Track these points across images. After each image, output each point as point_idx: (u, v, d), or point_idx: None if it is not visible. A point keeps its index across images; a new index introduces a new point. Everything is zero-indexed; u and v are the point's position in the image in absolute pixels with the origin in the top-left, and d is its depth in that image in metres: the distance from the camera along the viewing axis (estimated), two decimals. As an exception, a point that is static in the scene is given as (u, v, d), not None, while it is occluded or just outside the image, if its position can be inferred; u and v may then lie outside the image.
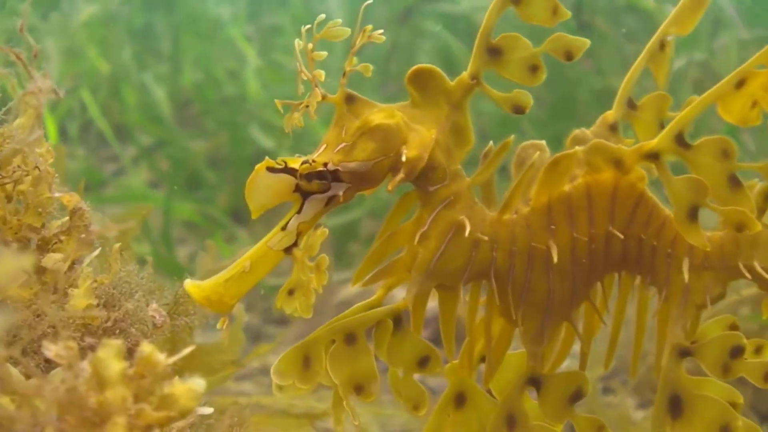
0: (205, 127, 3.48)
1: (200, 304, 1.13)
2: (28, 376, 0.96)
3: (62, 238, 1.16)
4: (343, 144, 1.15)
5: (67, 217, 1.16)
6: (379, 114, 1.15)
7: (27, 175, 1.15)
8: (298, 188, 1.13)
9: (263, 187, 1.12)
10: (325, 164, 1.14)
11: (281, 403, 1.64)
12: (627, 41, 2.78)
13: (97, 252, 1.16)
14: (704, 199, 1.17)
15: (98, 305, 1.14)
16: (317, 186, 1.13)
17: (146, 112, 3.45)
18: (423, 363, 1.20)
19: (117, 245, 1.18)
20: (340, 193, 1.14)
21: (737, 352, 1.21)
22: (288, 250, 1.14)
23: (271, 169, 1.12)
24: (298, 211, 1.14)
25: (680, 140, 1.18)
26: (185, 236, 2.83)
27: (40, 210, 1.16)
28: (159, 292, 1.22)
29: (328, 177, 1.14)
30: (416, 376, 1.22)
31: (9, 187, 1.15)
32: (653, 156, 1.19)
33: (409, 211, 1.24)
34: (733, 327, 1.26)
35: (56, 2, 3.87)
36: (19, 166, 1.15)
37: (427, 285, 1.20)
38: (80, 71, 3.57)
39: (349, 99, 1.16)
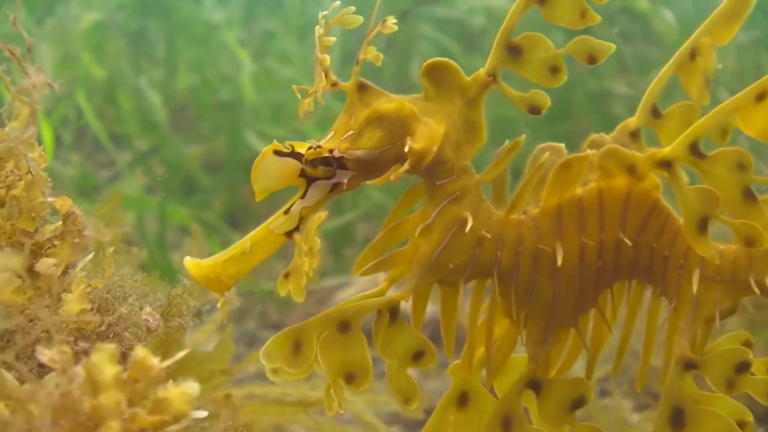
0: (200, 131, 3.48)
1: (198, 283, 1.12)
2: (22, 381, 0.96)
3: (56, 242, 1.15)
4: (351, 132, 1.14)
5: (60, 222, 1.16)
6: (388, 104, 1.14)
7: (20, 179, 1.15)
8: (303, 173, 1.13)
9: (269, 170, 1.12)
10: (331, 150, 1.13)
11: (275, 392, 1.63)
12: (622, 43, 2.77)
13: (90, 256, 1.16)
14: (715, 210, 1.15)
15: (92, 309, 1.14)
16: (322, 172, 1.13)
17: (141, 117, 3.44)
18: (417, 357, 1.18)
19: (110, 249, 1.18)
20: (345, 180, 1.14)
21: (743, 367, 1.19)
22: (289, 234, 1.13)
23: (278, 153, 1.12)
24: (302, 196, 1.13)
25: (695, 149, 1.16)
26: (180, 240, 2.83)
27: (33, 214, 1.15)
28: (152, 294, 1.21)
29: (333, 164, 1.13)
30: (416, 377, 1.21)
31: (2, 191, 1.14)
32: (666, 164, 1.17)
33: (416, 203, 1.22)
34: (747, 344, 1.22)
35: (51, 8, 3.86)
36: (12, 171, 1.14)
37: (427, 279, 1.19)
38: (75, 76, 3.57)
39: (362, 87, 1.15)
